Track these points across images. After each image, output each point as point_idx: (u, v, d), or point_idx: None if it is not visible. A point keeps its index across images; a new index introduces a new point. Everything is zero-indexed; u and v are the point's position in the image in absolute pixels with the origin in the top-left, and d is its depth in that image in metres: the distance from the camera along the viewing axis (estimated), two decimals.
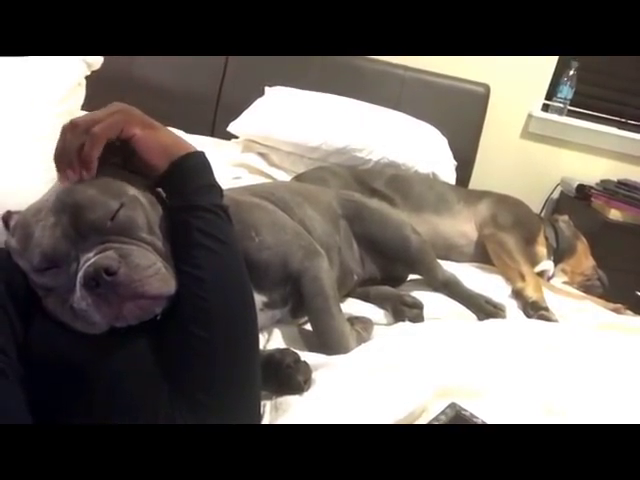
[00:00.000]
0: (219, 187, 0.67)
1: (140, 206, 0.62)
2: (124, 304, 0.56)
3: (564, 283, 1.51)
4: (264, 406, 0.68)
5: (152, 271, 0.58)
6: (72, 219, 0.58)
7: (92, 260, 0.56)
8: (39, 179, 0.80)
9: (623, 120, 2.27)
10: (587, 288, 1.53)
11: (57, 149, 0.62)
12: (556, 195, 2.31)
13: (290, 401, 0.68)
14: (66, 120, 0.62)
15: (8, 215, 0.66)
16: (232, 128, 1.73)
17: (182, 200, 0.63)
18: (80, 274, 0.56)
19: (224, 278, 0.62)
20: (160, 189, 0.67)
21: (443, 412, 0.66)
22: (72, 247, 0.58)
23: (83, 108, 1.15)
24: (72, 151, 0.60)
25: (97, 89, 1.17)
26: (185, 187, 0.64)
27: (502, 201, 1.53)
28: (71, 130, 0.61)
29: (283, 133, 1.67)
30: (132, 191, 0.63)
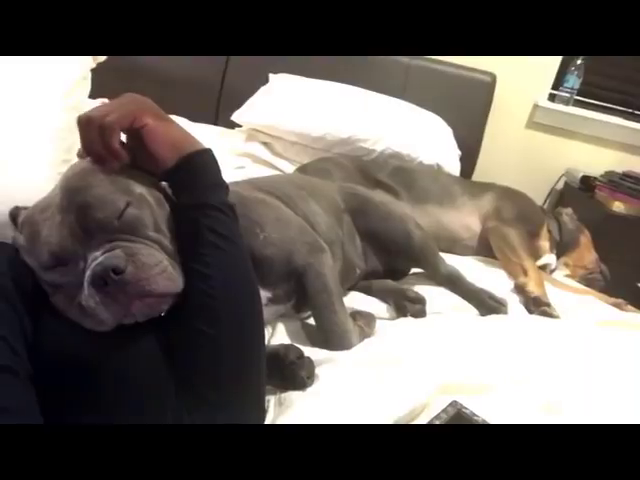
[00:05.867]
0: (226, 185, 0.67)
1: (147, 204, 0.63)
2: (132, 302, 0.56)
3: (566, 276, 1.51)
4: (268, 401, 0.69)
5: (159, 269, 0.58)
6: (79, 218, 0.58)
7: (100, 259, 0.56)
8: (46, 174, 0.80)
9: (630, 111, 2.24)
10: (589, 281, 1.53)
11: (82, 144, 0.63)
12: (560, 186, 2.30)
13: (294, 396, 0.69)
14: (72, 114, 0.62)
15: (16, 211, 0.66)
16: (236, 117, 1.72)
17: (191, 198, 0.63)
18: (88, 273, 0.56)
19: (232, 276, 0.63)
20: (166, 185, 0.67)
21: (444, 410, 0.67)
22: (79, 246, 0.58)
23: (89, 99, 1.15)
24: (97, 145, 0.61)
25: (102, 78, 1.17)
26: (195, 184, 0.64)
27: (506, 194, 1.53)
28: (87, 125, 0.61)
29: (287, 123, 1.66)
30: (139, 189, 0.63)
